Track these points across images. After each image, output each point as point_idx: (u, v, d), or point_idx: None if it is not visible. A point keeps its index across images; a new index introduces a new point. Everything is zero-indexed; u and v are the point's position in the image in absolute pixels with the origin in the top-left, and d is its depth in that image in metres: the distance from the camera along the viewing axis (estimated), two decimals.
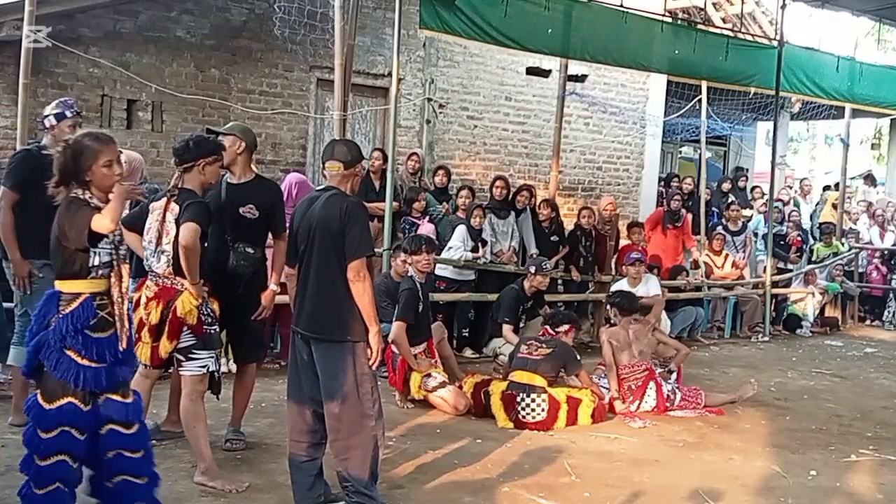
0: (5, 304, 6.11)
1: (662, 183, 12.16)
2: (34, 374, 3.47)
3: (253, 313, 4.76)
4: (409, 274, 6.30)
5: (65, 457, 3.37)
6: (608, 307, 6.98)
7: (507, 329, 7.31)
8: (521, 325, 7.51)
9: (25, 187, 4.78)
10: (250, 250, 4.71)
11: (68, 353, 3.35)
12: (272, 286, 4.80)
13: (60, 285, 3.42)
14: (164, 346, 4.24)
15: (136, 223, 4.50)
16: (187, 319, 4.20)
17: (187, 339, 4.26)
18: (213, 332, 4.34)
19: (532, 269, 7.49)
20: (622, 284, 8.35)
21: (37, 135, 7.45)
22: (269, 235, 4.93)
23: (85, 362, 3.36)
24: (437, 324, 6.82)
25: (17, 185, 4.83)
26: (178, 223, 4.18)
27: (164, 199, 4.30)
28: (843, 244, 11.90)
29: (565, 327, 6.49)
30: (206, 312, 4.29)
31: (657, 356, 6.91)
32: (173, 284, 4.23)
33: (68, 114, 4.95)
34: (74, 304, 3.37)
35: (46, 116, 4.98)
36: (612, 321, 7.07)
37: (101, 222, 3.33)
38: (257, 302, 4.75)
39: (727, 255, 10.44)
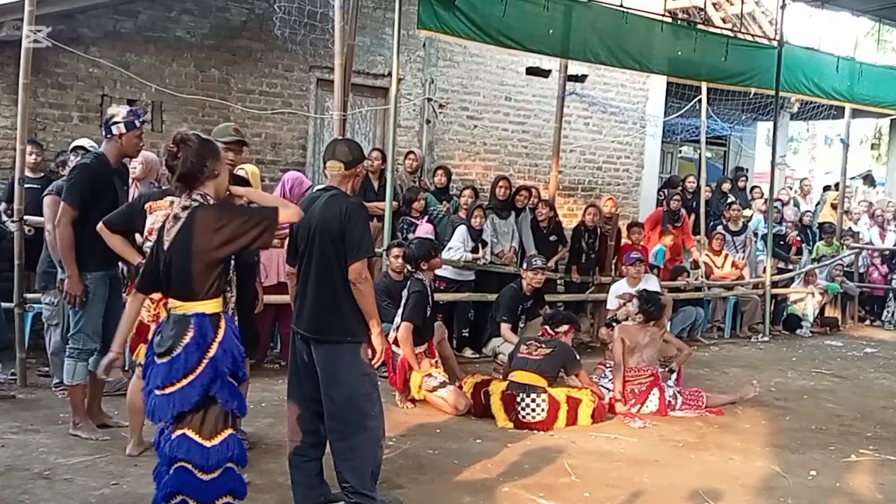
0: (4, 305, 6.15)
1: (663, 190, 12.12)
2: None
3: (246, 309, 4.71)
4: (416, 276, 6.26)
5: (230, 499, 3.14)
6: (636, 310, 6.87)
7: (505, 328, 7.32)
8: (521, 324, 7.51)
9: (86, 202, 4.73)
10: None
11: (230, 379, 3.14)
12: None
13: (203, 307, 3.12)
14: None
15: (122, 223, 4.48)
16: None
17: None
18: None
19: (524, 266, 7.51)
20: (622, 284, 8.35)
21: (37, 134, 7.51)
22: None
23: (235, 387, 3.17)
24: (438, 323, 6.83)
25: (77, 202, 4.73)
26: None
27: (171, 199, 4.29)
28: (841, 244, 11.90)
29: (565, 328, 6.49)
30: None
31: (659, 354, 6.90)
32: None
33: (137, 123, 4.87)
34: (224, 326, 3.13)
35: (115, 123, 4.82)
36: (624, 320, 7.08)
37: (290, 211, 3.28)
38: (251, 297, 4.77)
39: (727, 255, 10.44)
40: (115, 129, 4.83)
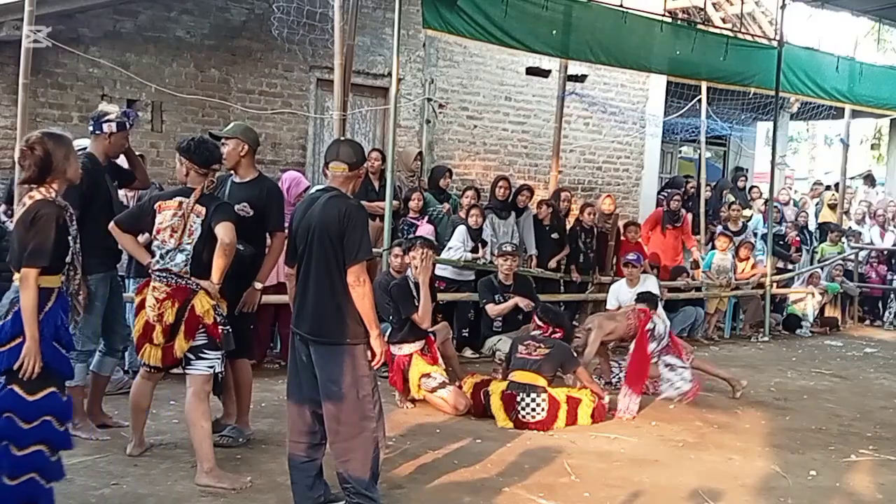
0: None
1: (664, 191, 12.11)
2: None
3: (241, 310, 4.81)
4: (406, 273, 6.28)
5: (43, 447, 3.44)
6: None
7: (489, 307, 7.41)
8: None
9: (84, 202, 4.66)
10: (240, 247, 4.67)
11: (54, 343, 3.46)
12: (256, 284, 4.85)
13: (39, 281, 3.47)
14: (181, 346, 4.24)
15: (131, 224, 4.50)
16: (205, 319, 4.22)
17: (199, 339, 4.27)
18: (227, 332, 4.35)
19: (495, 253, 7.66)
20: (621, 285, 8.35)
21: None
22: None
23: None
24: (443, 324, 6.85)
25: (77, 202, 4.56)
26: (204, 224, 4.24)
27: (180, 199, 4.32)
28: (843, 244, 11.90)
29: (560, 332, 6.42)
30: (219, 313, 4.31)
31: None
32: (188, 284, 4.24)
33: (128, 125, 4.85)
34: (53, 299, 3.46)
35: (107, 121, 4.78)
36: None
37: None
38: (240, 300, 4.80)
39: (749, 259, 10.33)
40: (105, 128, 4.80)
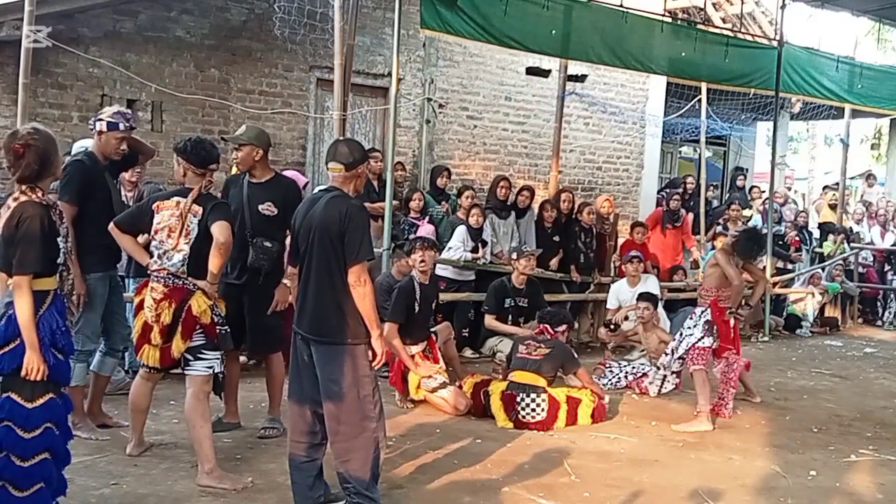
0: None
1: (664, 191, 12.10)
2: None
3: (275, 308, 4.95)
4: (411, 273, 6.29)
5: (47, 455, 3.37)
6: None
7: (488, 318, 7.39)
8: (510, 320, 7.47)
9: (82, 199, 4.69)
10: (268, 244, 4.89)
11: (53, 350, 3.36)
12: (285, 281, 4.92)
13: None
14: (178, 346, 4.24)
15: (131, 224, 4.50)
16: (202, 319, 4.22)
17: (197, 339, 4.27)
18: (224, 332, 4.35)
19: (514, 255, 7.59)
20: (622, 284, 8.35)
21: None
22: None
23: None
24: (445, 324, 6.84)
25: (74, 198, 4.67)
26: (201, 224, 4.25)
27: (178, 199, 4.32)
28: (844, 245, 11.90)
29: (563, 327, 6.50)
30: (216, 313, 4.31)
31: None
32: (185, 284, 4.24)
33: (122, 126, 4.84)
34: (48, 302, 3.36)
35: (99, 120, 4.81)
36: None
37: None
38: (273, 295, 4.94)
39: None
40: (97, 126, 4.83)
